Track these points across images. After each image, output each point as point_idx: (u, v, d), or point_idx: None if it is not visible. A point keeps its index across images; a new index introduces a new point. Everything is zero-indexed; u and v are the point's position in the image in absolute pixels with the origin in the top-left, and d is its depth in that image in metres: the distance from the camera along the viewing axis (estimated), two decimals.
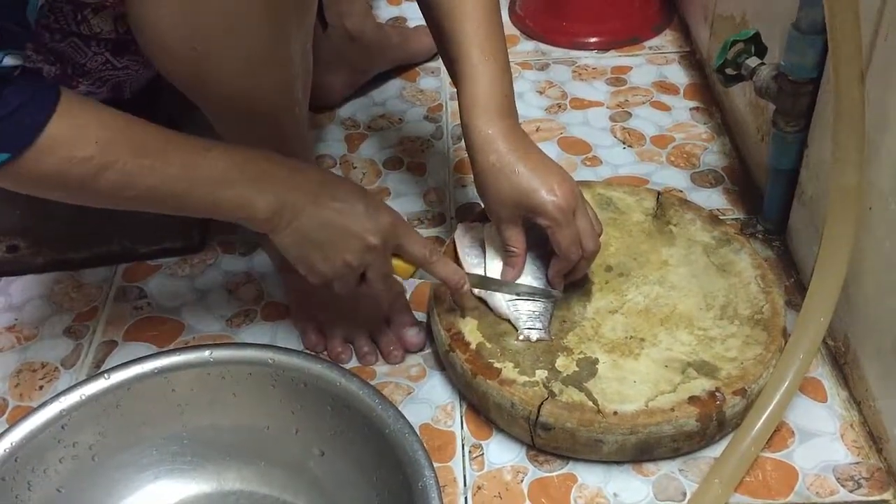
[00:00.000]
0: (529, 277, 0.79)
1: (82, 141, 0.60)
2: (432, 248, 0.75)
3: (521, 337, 0.77)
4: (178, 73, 0.68)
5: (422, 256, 0.74)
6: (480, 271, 0.81)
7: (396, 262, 0.74)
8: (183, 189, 0.65)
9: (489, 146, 0.75)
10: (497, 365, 0.75)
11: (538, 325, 0.77)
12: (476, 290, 0.80)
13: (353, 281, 0.73)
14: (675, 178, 1.03)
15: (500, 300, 0.78)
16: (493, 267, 0.80)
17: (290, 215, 0.68)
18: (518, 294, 0.78)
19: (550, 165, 0.75)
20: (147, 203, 0.66)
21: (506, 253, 0.79)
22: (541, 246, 0.79)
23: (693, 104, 1.14)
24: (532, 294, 0.78)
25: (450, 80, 1.18)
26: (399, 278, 0.76)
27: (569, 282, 0.80)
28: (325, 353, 0.84)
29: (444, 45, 0.80)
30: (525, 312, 0.77)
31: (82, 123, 0.61)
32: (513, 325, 0.78)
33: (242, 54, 0.67)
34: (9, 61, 0.56)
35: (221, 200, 0.67)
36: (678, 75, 1.20)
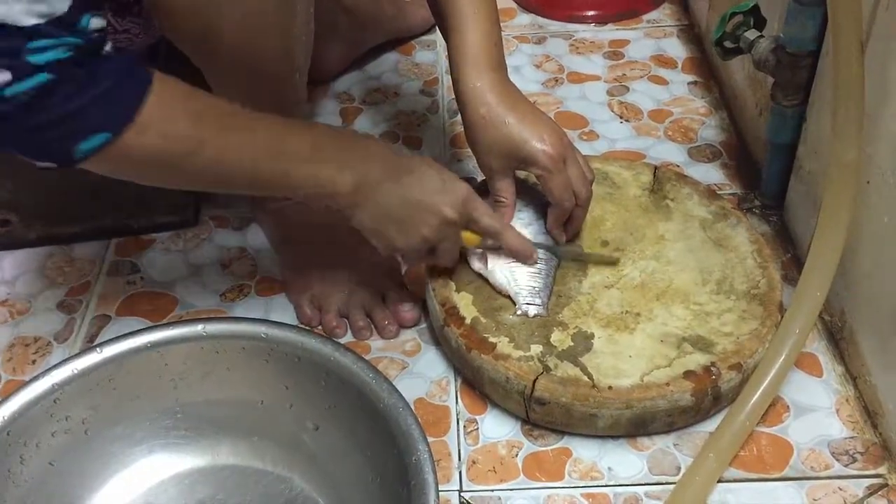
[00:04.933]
0: (535, 235, 0.80)
1: (176, 119, 0.60)
2: (503, 220, 0.76)
3: (518, 312, 0.76)
4: (182, 31, 0.68)
5: (494, 229, 0.75)
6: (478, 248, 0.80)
7: (465, 234, 0.75)
8: (271, 166, 0.66)
9: (479, 99, 0.75)
10: (492, 340, 0.75)
11: (537, 300, 0.77)
12: (476, 265, 0.79)
13: (424, 253, 0.74)
14: (672, 153, 1.02)
15: (502, 275, 0.78)
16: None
17: (370, 190, 0.69)
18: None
19: (540, 116, 0.76)
20: (233, 180, 0.66)
21: (495, 203, 0.79)
22: (543, 204, 0.80)
23: (691, 78, 1.13)
24: (540, 247, 0.79)
25: (446, 54, 1.17)
26: (465, 247, 0.78)
27: (570, 236, 0.81)
28: (320, 327, 0.84)
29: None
30: (525, 287, 0.77)
31: (176, 100, 0.60)
32: (511, 300, 0.78)
33: (248, 12, 0.67)
34: (95, 23, 0.54)
35: (305, 177, 0.67)
36: (676, 49, 1.19)
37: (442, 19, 0.79)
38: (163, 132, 0.59)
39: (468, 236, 0.76)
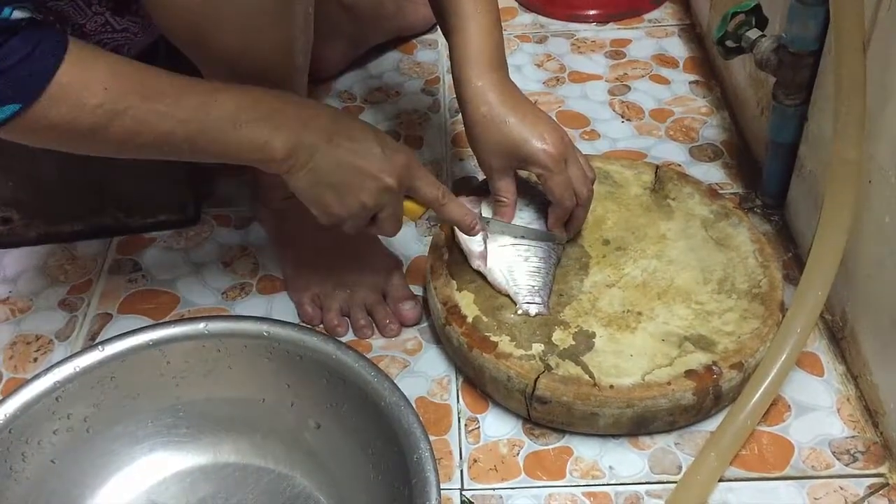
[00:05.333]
0: (531, 222, 0.80)
1: (93, 88, 0.59)
2: (444, 190, 0.75)
3: (519, 311, 0.76)
4: (180, 29, 0.68)
5: (434, 198, 0.74)
6: (479, 245, 0.80)
7: (407, 204, 0.74)
8: (196, 132, 0.64)
9: (480, 98, 0.75)
10: (493, 338, 0.75)
11: (537, 299, 0.77)
12: (476, 264, 0.79)
13: (364, 222, 0.73)
14: (673, 152, 1.02)
15: (500, 275, 0.78)
16: (493, 242, 0.80)
17: (306, 155, 0.68)
18: (523, 236, 0.79)
19: (540, 115, 0.76)
20: (160, 149, 0.65)
21: (496, 203, 0.79)
22: (544, 203, 0.80)
23: (692, 78, 1.13)
24: (536, 237, 0.79)
25: (447, 53, 1.17)
26: (408, 219, 0.76)
27: (571, 235, 0.81)
28: (321, 326, 0.84)
29: None
30: (525, 287, 0.77)
31: (91, 70, 0.59)
32: (511, 300, 0.78)
33: (245, 10, 0.67)
34: (17, 14, 0.54)
35: (237, 142, 0.65)
36: (678, 48, 1.19)
37: (443, 18, 0.79)
38: (76, 102, 0.58)
39: (410, 206, 0.74)
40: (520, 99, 0.77)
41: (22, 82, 0.56)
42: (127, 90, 0.61)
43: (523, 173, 0.81)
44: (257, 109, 0.66)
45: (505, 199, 0.79)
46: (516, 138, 0.75)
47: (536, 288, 0.77)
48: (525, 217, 0.81)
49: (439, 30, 1.23)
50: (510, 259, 0.78)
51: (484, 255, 0.79)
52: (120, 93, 0.60)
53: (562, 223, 0.80)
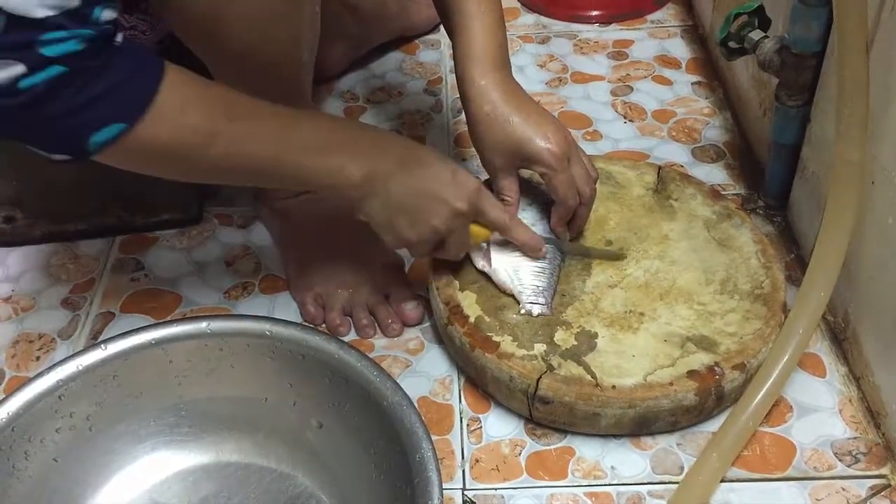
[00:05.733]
0: (539, 232, 0.80)
1: (190, 109, 0.59)
2: (511, 214, 0.76)
3: (522, 311, 0.76)
4: (190, 25, 0.68)
5: (503, 222, 0.75)
6: (482, 246, 0.80)
7: (474, 227, 0.75)
8: (281, 156, 0.65)
9: (483, 97, 0.75)
10: (496, 338, 0.75)
11: (541, 299, 0.77)
12: (480, 264, 0.79)
13: (432, 246, 0.74)
14: (676, 153, 1.02)
15: (505, 274, 0.78)
16: (495, 243, 0.80)
17: (381, 181, 0.69)
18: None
19: (544, 114, 0.76)
20: (246, 172, 0.66)
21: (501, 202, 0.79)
22: (547, 203, 0.81)
23: (695, 79, 1.13)
24: (547, 241, 0.79)
25: (450, 53, 1.17)
26: (475, 242, 0.77)
27: (574, 234, 0.82)
28: (324, 325, 0.84)
29: None
30: (529, 287, 0.77)
31: (188, 92, 0.60)
32: (515, 300, 0.78)
33: (254, 6, 0.67)
34: (107, 14, 0.54)
35: (315, 167, 0.67)
36: (680, 49, 1.19)
37: (447, 18, 0.79)
38: (177, 123, 0.59)
39: (476, 229, 0.76)
40: (523, 98, 0.77)
41: (127, 101, 0.56)
42: (220, 111, 0.62)
43: (526, 173, 0.81)
44: (335, 136, 0.68)
45: (508, 198, 0.79)
46: (520, 137, 0.75)
47: (541, 288, 0.77)
48: (528, 217, 0.81)
49: (442, 30, 1.24)
50: (515, 259, 0.78)
51: (488, 255, 0.79)
52: (216, 114, 0.61)
53: (565, 222, 0.80)
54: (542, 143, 0.74)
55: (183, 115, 0.59)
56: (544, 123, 0.75)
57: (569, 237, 0.81)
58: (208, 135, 0.60)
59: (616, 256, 0.81)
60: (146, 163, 0.62)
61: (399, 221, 0.71)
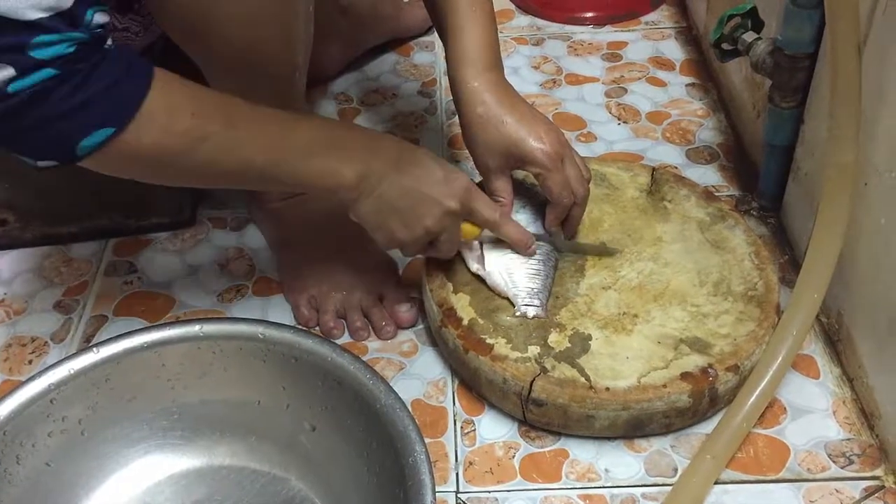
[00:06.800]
0: (533, 233, 0.80)
1: (179, 113, 0.59)
2: (502, 211, 0.77)
3: (517, 313, 0.76)
4: (182, 27, 0.68)
5: (493, 220, 0.75)
6: (477, 248, 0.80)
7: (464, 225, 0.75)
8: (275, 160, 0.65)
9: (476, 98, 0.76)
10: (489, 341, 0.74)
11: (536, 301, 0.76)
12: (474, 267, 0.79)
13: (424, 245, 0.74)
14: (670, 155, 1.02)
15: (499, 277, 0.78)
16: (488, 245, 0.79)
17: (375, 182, 0.69)
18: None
19: (537, 115, 0.77)
20: (238, 176, 0.66)
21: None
22: (540, 205, 0.81)
23: (689, 80, 1.14)
24: (539, 238, 0.80)
25: (444, 55, 1.17)
26: (465, 240, 0.78)
27: (568, 235, 0.82)
28: (317, 328, 0.84)
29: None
30: (524, 289, 0.77)
31: (177, 96, 0.60)
32: (509, 302, 0.78)
33: (247, 8, 0.67)
34: (98, 18, 0.54)
35: (309, 170, 0.67)
36: (674, 51, 1.19)
37: (439, 19, 0.79)
38: (166, 127, 0.58)
39: (467, 228, 0.76)
40: (516, 99, 0.77)
41: (115, 106, 0.56)
42: (211, 116, 0.61)
43: (519, 174, 0.81)
44: (329, 138, 0.68)
45: (502, 199, 0.79)
46: (513, 138, 0.75)
47: (535, 290, 0.77)
48: (522, 219, 0.81)
49: (435, 32, 1.24)
50: (509, 261, 0.78)
51: (482, 258, 0.79)
52: (205, 118, 0.61)
53: (559, 222, 0.80)
54: (536, 143, 0.74)
55: (172, 120, 0.59)
56: (537, 124, 0.75)
57: (563, 237, 0.81)
58: (198, 139, 0.60)
59: (609, 252, 0.81)
60: (134, 167, 0.62)
61: (391, 222, 0.71)
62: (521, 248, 0.78)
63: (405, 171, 0.70)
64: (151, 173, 0.64)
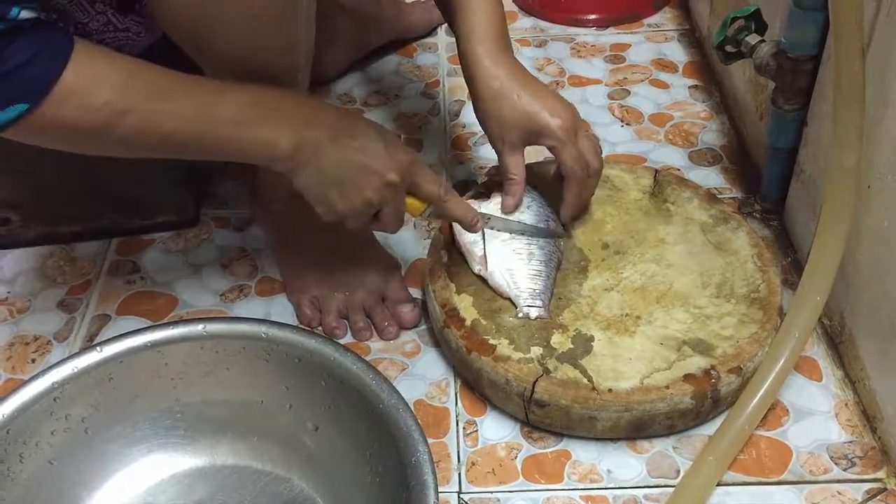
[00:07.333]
0: (535, 221, 0.81)
1: (99, 87, 0.59)
2: (446, 187, 0.76)
3: (520, 314, 0.76)
4: (183, 26, 0.68)
5: (436, 194, 0.75)
6: (479, 248, 0.80)
7: (409, 200, 0.75)
8: (202, 131, 0.65)
9: (491, 73, 0.76)
10: (492, 342, 0.75)
11: (538, 302, 0.77)
12: (476, 268, 0.79)
13: (367, 218, 0.74)
14: (672, 157, 1.02)
15: (501, 277, 0.78)
16: (493, 245, 0.80)
17: (311, 153, 0.68)
18: (522, 232, 0.80)
19: (549, 91, 0.78)
20: (166, 148, 0.66)
21: (507, 181, 0.80)
22: (542, 206, 0.82)
23: (692, 82, 1.14)
24: (535, 233, 0.80)
25: (447, 56, 1.17)
26: (410, 215, 0.77)
27: (578, 215, 0.83)
28: (320, 328, 0.84)
29: None
30: (526, 290, 0.77)
31: (97, 70, 0.60)
32: (512, 303, 0.78)
33: (249, 9, 0.67)
34: (25, 14, 0.55)
35: (242, 140, 0.66)
36: (677, 53, 1.19)
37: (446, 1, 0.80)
38: (82, 102, 0.58)
39: (412, 202, 0.75)
40: (528, 75, 0.78)
41: (29, 82, 0.57)
42: (133, 90, 0.61)
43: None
44: (262, 107, 0.67)
45: (515, 176, 0.80)
46: (529, 112, 0.76)
47: (538, 291, 0.77)
48: (528, 219, 0.81)
49: (440, 33, 1.24)
50: (511, 261, 0.78)
51: (484, 259, 0.79)
52: (126, 92, 0.60)
53: (576, 199, 0.80)
54: (552, 117, 0.75)
55: (89, 95, 0.59)
56: (551, 99, 0.77)
57: (565, 230, 0.82)
58: (118, 113, 0.60)
59: (560, 235, 0.82)
60: (55, 140, 0.62)
61: (331, 194, 0.71)
62: (465, 225, 0.78)
63: (344, 142, 0.69)
64: (74, 146, 0.63)
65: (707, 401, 0.72)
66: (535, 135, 0.77)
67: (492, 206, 0.82)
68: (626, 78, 1.15)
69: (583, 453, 0.73)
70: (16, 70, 0.55)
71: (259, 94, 0.67)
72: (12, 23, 0.55)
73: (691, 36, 1.22)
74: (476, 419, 0.76)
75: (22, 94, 0.57)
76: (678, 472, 0.72)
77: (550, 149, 0.77)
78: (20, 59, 0.55)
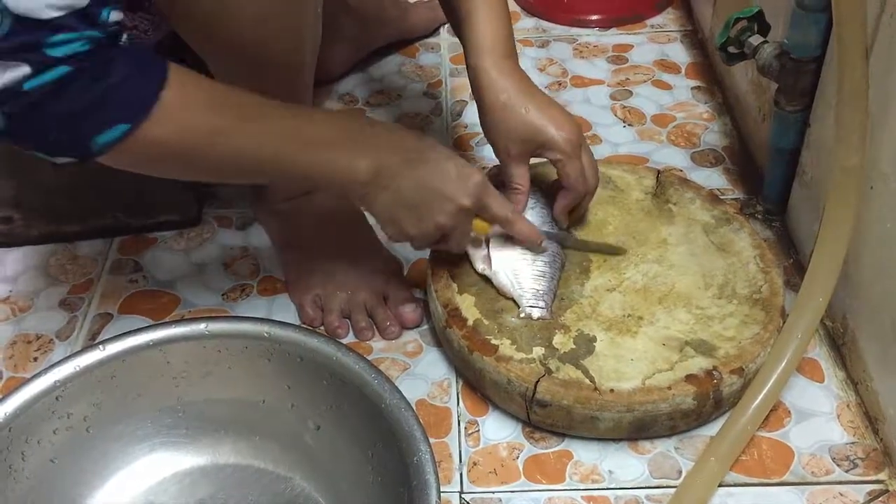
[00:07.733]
0: (539, 223, 0.81)
1: (194, 109, 0.60)
2: (513, 208, 0.77)
3: (522, 314, 0.76)
4: (191, 22, 0.68)
5: (505, 216, 0.76)
6: (482, 249, 0.80)
7: (476, 221, 0.76)
8: (287, 153, 0.66)
9: (497, 85, 0.77)
10: (494, 341, 0.75)
11: (541, 303, 0.77)
12: (480, 267, 0.79)
13: (434, 240, 0.74)
14: (675, 157, 1.02)
15: (505, 277, 0.78)
16: (495, 245, 0.80)
17: (387, 178, 0.69)
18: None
19: (555, 104, 0.78)
20: (252, 170, 0.67)
21: (511, 192, 0.80)
22: (545, 209, 0.82)
23: (694, 83, 1.14)
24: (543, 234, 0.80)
25: (450, 56, 1.17)
26: (476, 235, 0.78)
27: (572, 222, 0.83)
28: (322, 327, 0.84)
29: None
30: (529, 290, 0.77)
31: (192, 92, 0.60)
32: (514, 303, 0.78)
33: (256, 5, 0.67)
34: (114, 16, 0.54)
35: (323, 164, 0.67)
36: (680, 54, 1.19)
37: (452, 7, 0.80)
38: (181, 122, 0.59)
39: (478, 223, 0.76)
40: (534, 88, 0.79)
41: (129, 102, 0.56)
42: (226, 111, 0.62)
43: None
44: (343, 132, 0.68)
45: (520, 187, 0.80)
46: (536, 124, 0.76)
47: (541, 292, 0.77)
48: (532, 218, 0.81)
49: (442, 33, 1.24)
50: (515, 262, 0.78)
51: (488, 258, 0.79)
52: (220, 114, 0.61)
53: (569, 209, 0.81)
54: (558, 130, 0.76)
55: (187, 115, 0.59)
56: (558, 112, 0.77)
57: (566, 225, 0.82)
58: (213, 134, 0.61)
59: (615, 251, 0.82)
60: (151, 163, 0.62)
61: (403, 216, 0.71)
62: (532, 245, 0.78)
63: (419, 167, 0.70)
64: (168, 168, 0.64)
65: (709, 401, 0.72)
66: (540, 147, 0.77)
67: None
68: (628, 79, 1.15)
69: (584, 454, 0.73)
70: (116, 90, 0.55)
71: (339, 119, 0.70)
72: (108, 30, 0.54)
73: (694, 37, 1.22)
74: (478, 419, 0.76)
75: (122, 114, 0.56)
76: (680, 472, 0.72)
77: (554, 162, 0.77)
78: (120, 79, 0.55)
